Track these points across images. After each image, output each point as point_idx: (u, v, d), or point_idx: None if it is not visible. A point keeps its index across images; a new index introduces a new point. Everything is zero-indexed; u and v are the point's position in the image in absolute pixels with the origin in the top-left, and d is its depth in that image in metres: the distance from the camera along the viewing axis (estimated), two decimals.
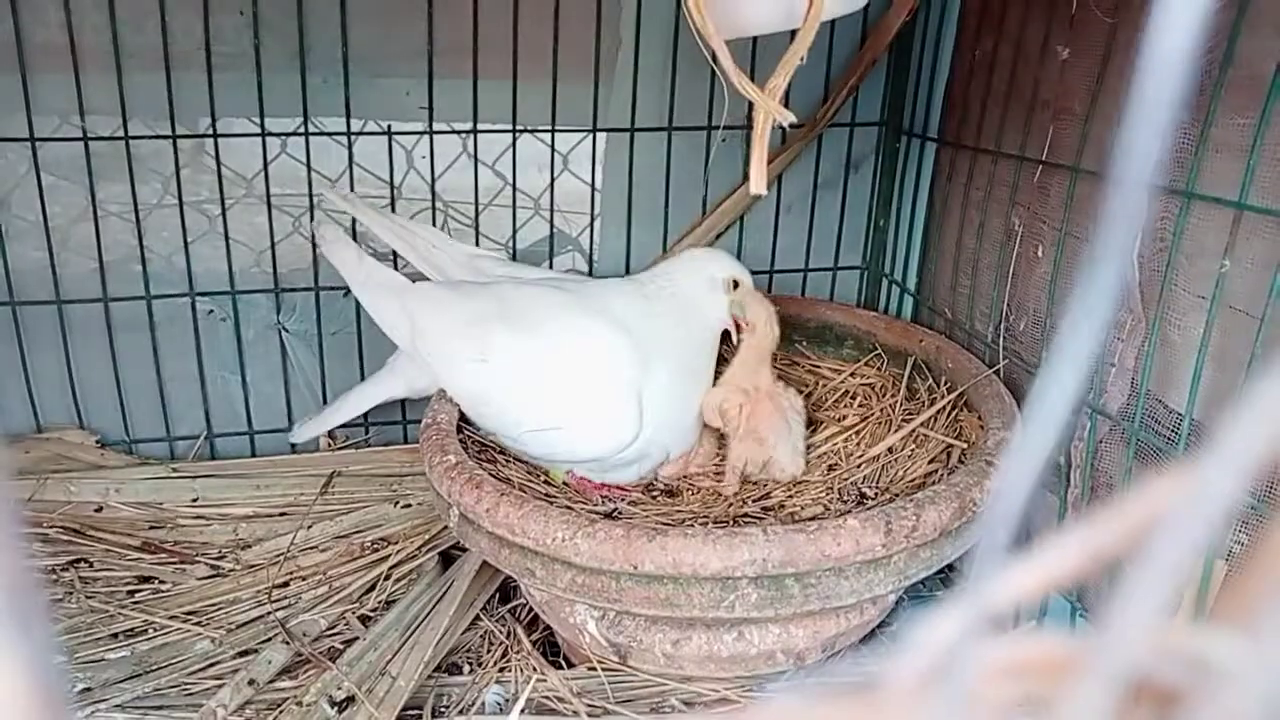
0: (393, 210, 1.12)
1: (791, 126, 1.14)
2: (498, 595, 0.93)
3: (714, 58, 0.46)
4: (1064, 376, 0.12)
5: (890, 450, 0.95)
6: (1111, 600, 0.12)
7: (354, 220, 1.11)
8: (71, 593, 0.93)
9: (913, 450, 0.94)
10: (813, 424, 1.03)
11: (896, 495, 0.86)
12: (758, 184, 0.47)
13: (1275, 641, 0.10)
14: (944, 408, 0.95)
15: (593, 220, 1.20)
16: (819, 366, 1.12)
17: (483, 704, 0.80)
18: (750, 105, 0.58)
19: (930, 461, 0.91)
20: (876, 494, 0.90)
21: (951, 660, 0.12)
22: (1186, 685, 0.11)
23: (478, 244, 1.15)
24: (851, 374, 1.09)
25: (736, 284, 0.95)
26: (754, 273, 1.22)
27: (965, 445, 0.90)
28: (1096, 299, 0.11)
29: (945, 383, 0.98)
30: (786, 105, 1.13)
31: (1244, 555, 0.68)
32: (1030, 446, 0.12)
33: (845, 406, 1.05)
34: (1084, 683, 0.11)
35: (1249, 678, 0.10)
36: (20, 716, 0.11)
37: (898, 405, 1.00)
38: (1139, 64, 0.11)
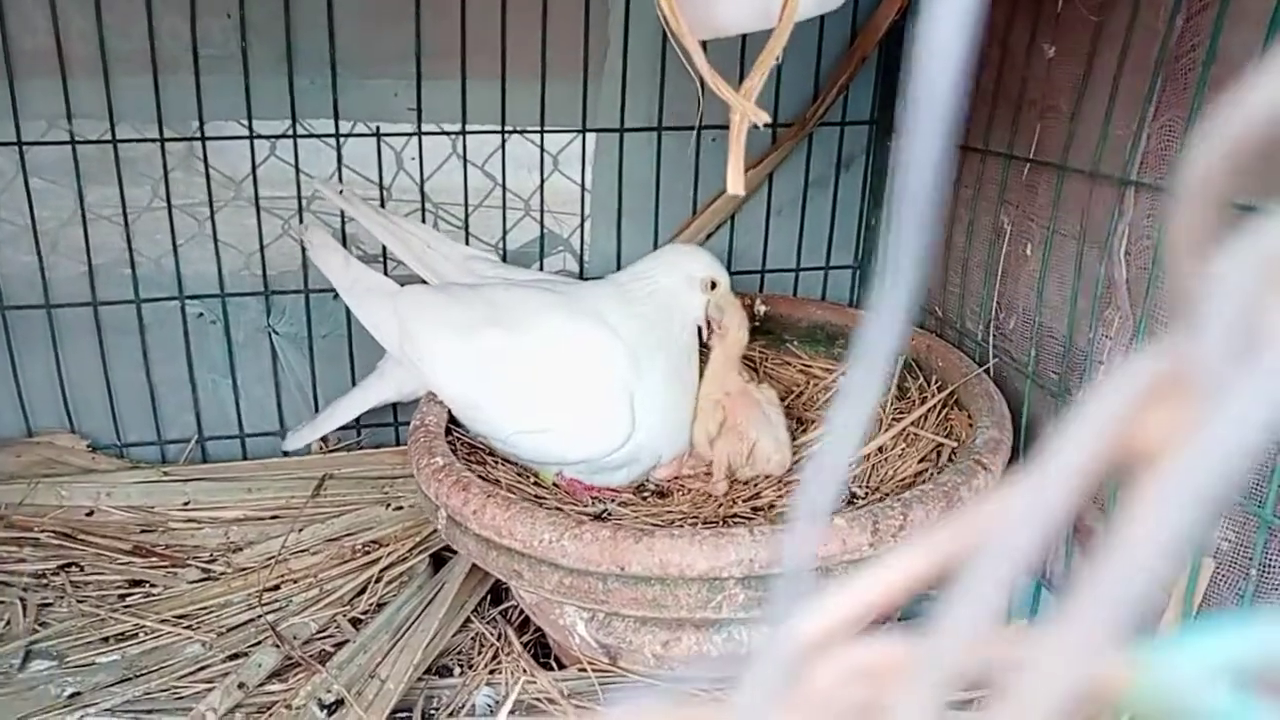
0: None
1: (781, 125, 1.15)
2: (489, 597, 0.93)
3: (689, 59, 0.46)
4: (875, 351, 0.12)
5: (881, 450, 0.95)
6: (939, 608, 0.12)
7: (343, 223, 1.11)
8: (63, 597, 0.93)
9: (903, 449, 0.94)
10: (804, 424, 1.03)
11: (887, 495, 0.86)
12: (734, 185, 0.47)
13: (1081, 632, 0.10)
14: (934, 406, 0.95)
15: (583, 221, 1.20)
16: (810, 366, 1.12)
17: (473, 706, 0.80)
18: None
19: (920, 460, 0.91)
20: (867, 493, 0.90)
21: (796, 666, 0.13)
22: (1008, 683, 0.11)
23: (468, 245, 1.15)
24: (843, 373, 1.09)
25: (714, 283, 0.95)
26: (745, 273, 1.23)
27: (955, 444, 0.90)
28: (902, 254, 0.12)
29: (936, 381, 0.98)
30: (775, 105, 1.13)
31: (1230, 551, 0.68)
32: (846, 417, 0.12)
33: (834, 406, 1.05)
34: (910, 685, 0.12)
35: (1052, 672, 0.10)
36: None
37: (888, 404, 1.00)
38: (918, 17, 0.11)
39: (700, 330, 0.96)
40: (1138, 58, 0.76)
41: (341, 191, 1.06)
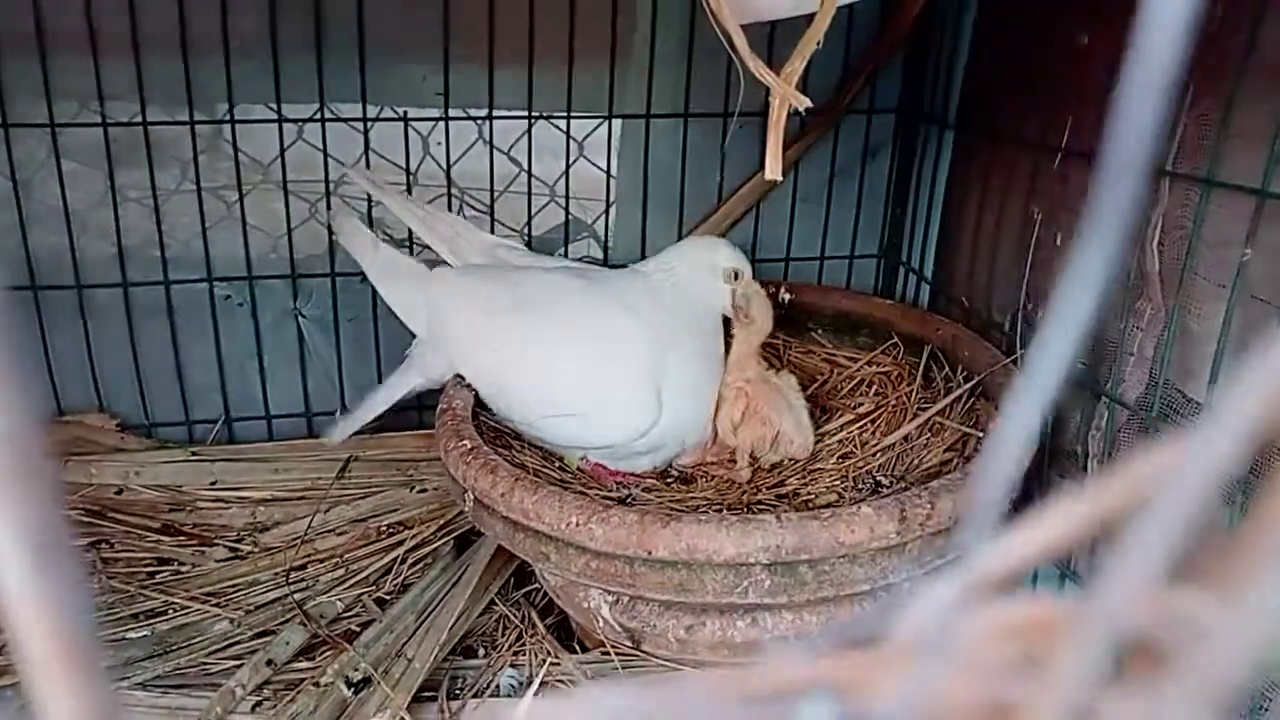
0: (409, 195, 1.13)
1: (808, 113, 1.14)
2: (513, 580, 0.94)
3: (730, 43, 0.46)
4: (1057, 350, 0.12)
5: (906, 439, 0.95)
6: (1104, 564, 0.12)
7: (369, 207, 1.11)
8: (93, 574, 0.94)
9: (928, 439, 0.94)
10: (828, 412, 1.03)
11: (912, 484, 0.86)
12: (773, 169, 0.47)
13: (1258, 602, 0.10)
14: (960, 396, 0.95)
15: (608, 207, 1.20)
16: (835, 355, 1.12)
17: (497, 686, 0.81)
18: (767, 91, 0.58)
19: (946, 450, 0.91)
20: (892, 482, 0.89)
21: (947, 621, 0.13)
22: (1176, 646, 0.11)
23: (493, 230, 1.15)
24: (868, 362, 1.09)
25: (737, 274, 0.95)
26: (770, 261, 1.23)
27: (981, 434, 0.89)
28: (1089, 278, 0.11)
29: (962, 371, 0.98)
30: (804, 91, 1.13)
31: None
32: (1022, 417, 0.13)
33: (861, 395, 1.05)
34: (1074, 643, 0.12)
35: (1231, 637, 0.10)
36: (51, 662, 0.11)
37: (914, 394, 1.00)
38: (1134, 41, 0.11)
39: (727, 319, 0.96)
40: None
41: (370, 177, 1.07)
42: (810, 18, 0.47)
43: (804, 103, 0.47)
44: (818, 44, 0.46)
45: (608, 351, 0.90)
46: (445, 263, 1.03)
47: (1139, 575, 0.11)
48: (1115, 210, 0.11)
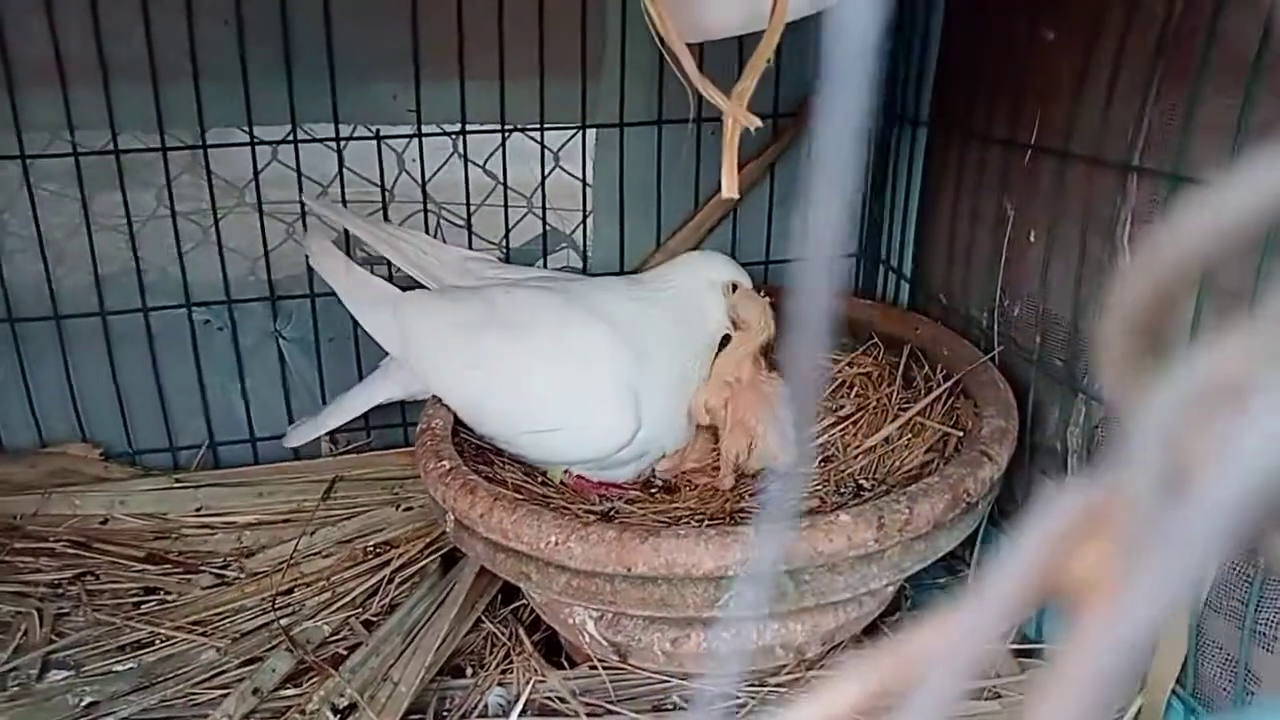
0: (385, 213, 1.12)
1: (782, 116, 1.14)
2: (500, 596, 0.94)
3: (677, 63, 0.46)
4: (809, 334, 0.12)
5: (887, 440, 0.95)
6: None
7: (346, 228, 1.11)
8: (78, 606, 0.94)
9: (909, 440, 0.94)
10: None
11: (893, 486, 0.86)
12: (729, 188, 0.47)
13: None
14: (940, 396, 0.95)
15: (585, 216, 1.19)
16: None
17: (485, 706, 0.81)
18: (728, 97, 0.58)
19: (927, 451, 0.91)
20: (873, 485, 0.89)
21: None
22: None
23: (470, 244, 1.15)
24: (849, 363, 1.08)
25: (735, 287, 0.95)
26: (749, 264, 1.22)
27: (961, 434, 0.89)
28: (824, 222, 0.12)
29: (941, 370, 0.98)
30: (775, 95, 1.13)
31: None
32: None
33: (842, 397, 1.04)
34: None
35: None
36: None
37: (894, 394, 1.00)
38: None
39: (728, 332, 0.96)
40: (1138, 41, 0.75)
41: (333, 205, 1.06)
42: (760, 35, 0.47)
43: (754, 123, 0.47)
44: (769, 61, 0.46)
45: (582, 365, 0.90)
46: (419, 283, 1.03)
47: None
48: (838, 155, 0.11)
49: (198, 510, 1.07)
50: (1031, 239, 0.92)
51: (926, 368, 1.00)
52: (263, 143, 1.07)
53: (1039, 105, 0.89)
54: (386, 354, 1.03)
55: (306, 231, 1.09)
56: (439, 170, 1.13)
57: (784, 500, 0.13)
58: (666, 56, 0.46)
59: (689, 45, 0.46)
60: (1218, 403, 0.10)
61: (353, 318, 1.12)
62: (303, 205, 1.10)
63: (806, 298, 0.12)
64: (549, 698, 0.81)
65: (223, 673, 0.85)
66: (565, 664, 0.87)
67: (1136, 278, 0.10)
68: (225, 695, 0.81)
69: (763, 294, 1.11)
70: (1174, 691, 0.73)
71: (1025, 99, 0.91)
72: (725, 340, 0.96)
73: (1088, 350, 0.83)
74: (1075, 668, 0.10)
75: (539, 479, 0.93)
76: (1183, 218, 0.10)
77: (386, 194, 1.12)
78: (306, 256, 1.11)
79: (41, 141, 1.03)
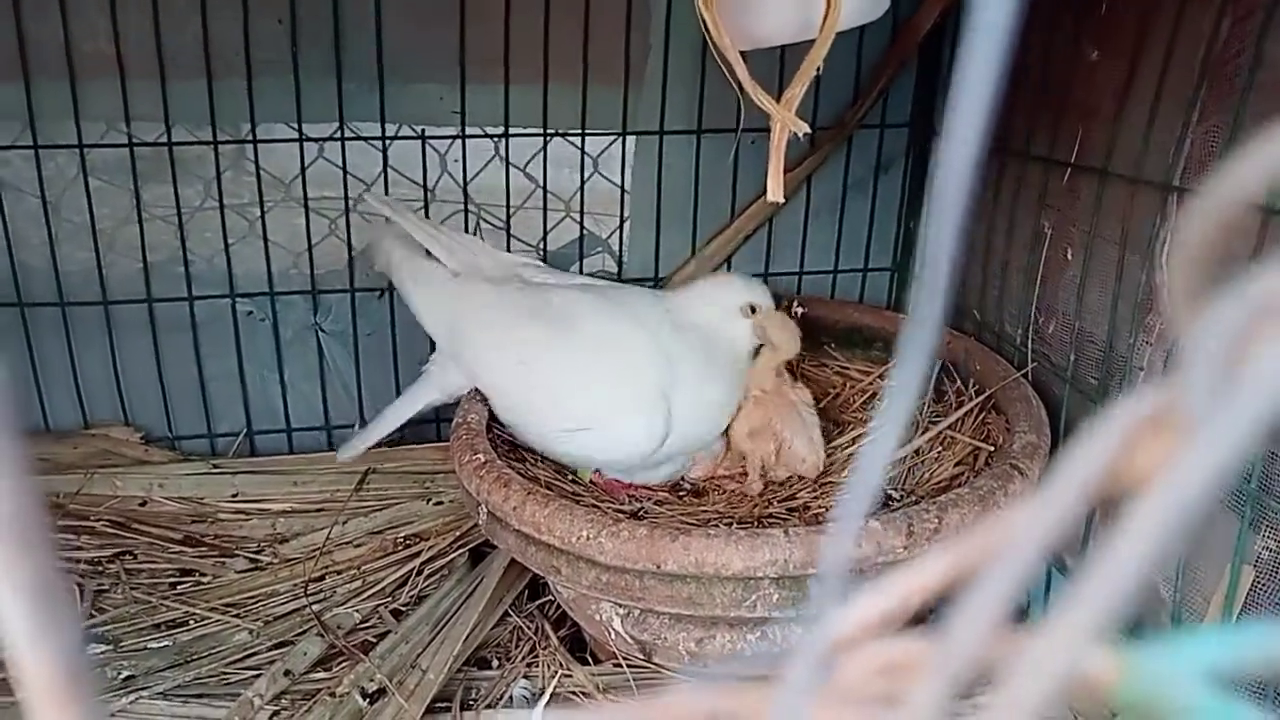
0: (425, 212, 1.15)
1: (820, 129, 1.15)
2: (526, 592, 0.95)
3: (730, 70, 0.47)
4: (918, 344, 0.13)
5: (917, 453, 0.95)
6: (953, 610, 0.13)
7: (388, 224, 1.13)
8: (117, 584, 0.96)
9: (939, 453, 0.94)
10: (840, 425, 1.03)
11: (922, 498, 0.86)
12: (775, 192, 0.48)
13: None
14: (971, 410, 0.95)
15: (622, 222, 1.21)
16: (848, 368, 1.13)
17: (510, 698, 0.82)
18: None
19: (957, 464, 0.91)
20: (902, 496, 0.90)
21: (828, 658, 0.14)
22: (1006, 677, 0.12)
23: (509, 245, 1.17)
24: (880, 376, 1.09)
25: (754, 307, 0.96)
26: (783, 274, 1.23)
27: (992, 448, 0.90)
28: (938, 255, 0.13)
29: (973, 385, 0.98)
30: (815, 108, 1.14)
31: (1271, 560, 0.68)
32: (889, 426, 0.14)
33: (874, 409, 1.05)
34: (928, 679, 0.13)
35: (1038, 671, 0.11)
36: (47, 695, 0.12)
37: (925, 407, 1.00)
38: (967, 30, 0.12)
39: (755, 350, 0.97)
40: (1182, 62, 0.76)
41: (386, 199, 1.08)
42: (812, 43, 0.48)
43: (803, 128, 0.48)
44: (818, 70, 0.47)
45: (619, 368, 0.91)
46: None
47: (984, 621, 0.12)
48: (955, 183, 0.12)
49: (234, 496, 1.09)
50: (1068, 257, 0.92)
51: (959, 382, 1.01)
52: (310, 140, 1.10)
53: (1079, 123, 0.89)
54: (423, 350, 1.04)
55: (374, 221, 1.10)
56: (480, 172, 1.15)
57: (857, 501, 0.14)
58: (719, 61, 0.47)
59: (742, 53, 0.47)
60: (1271, 317, 0.11)
61: (391, 314, 1.15)
62: (348, 201, 1.12)
63: (916, 321, 0.13)
64: (573, 692, 0.82)
65: (255, 654, 0.87)
66: (590, 660, 0.88)
67: (1201, 210, 0.11)
68: (257, 676, 0.83)
69: (795, 304, 1.12)
70: None
71: (1066, 117, 0.91)
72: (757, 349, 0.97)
73: (1123, 370, 0.83)
74: (1127, 544, 0.11)
75: (569, 477, 0.94)
76: (1246, 156, 0.11)
77: (428, 194, 1.15)
78: (349, 251, 1.13)
79: (98, 131, 1.06)
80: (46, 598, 0.11)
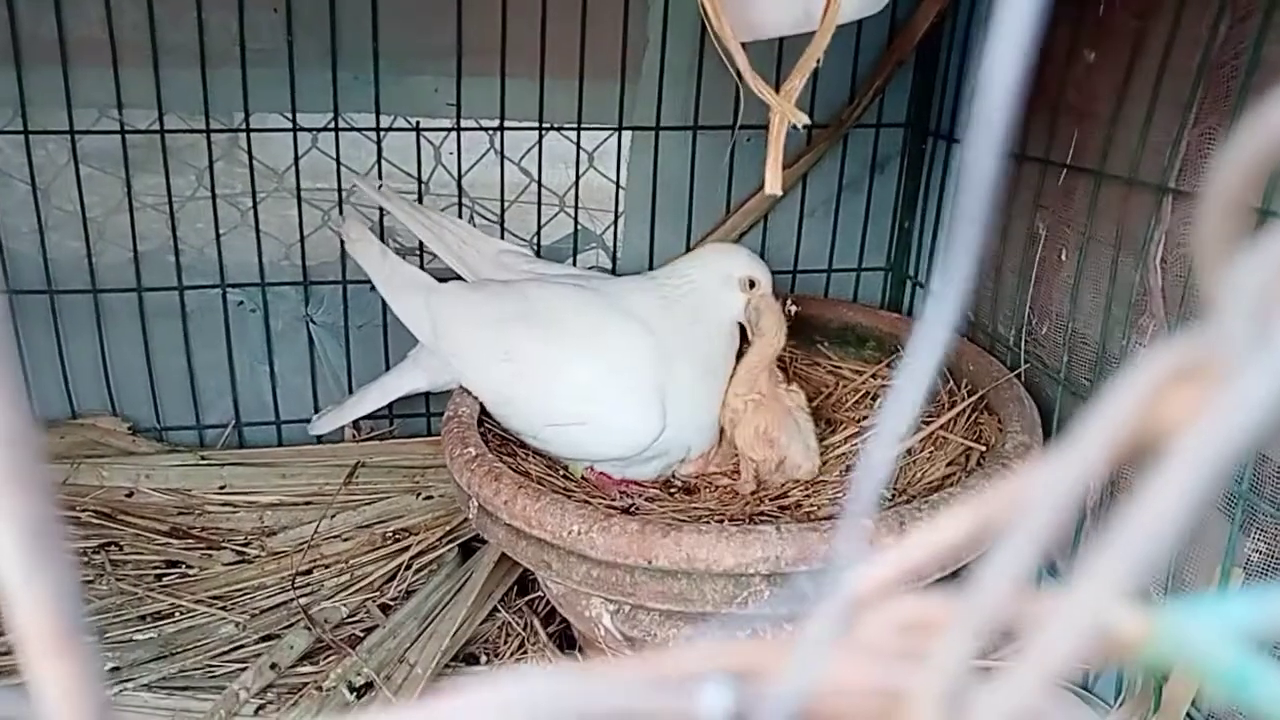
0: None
1: (816, 127, 1.15)
2: (516, 587, 0.95)
3: (731, 61, 0.47)
4: (931, 339, 0.13)
5: (909, 452, 0.95)
6: (977, 568, 0.13)
7: (381, 217, 1.12)
8: (102, 575, 0.95)
9: (931, 453, 0.94)
10: (832, 424, 1.03)
11: (914, 497, 0.86)
12: (772, 184, 0.48)
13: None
14: (964, 410, 0.95)
15: (617, 218, 1.21)
16: (840, 367, 1.12)
17: None
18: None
19: (949, 464, 0.91)
20: (894, 495, 0.90)
21: (848, 613, 0.13)
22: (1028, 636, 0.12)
23: (503, 239, 1.17)
24: (873, 375, 1.09)
25: (753, 282, 0.95)
26: (777, 273, 1.22)
27: (984, 449, 0.89)
28: (959, 257, 0.12)
29: (966, 385, 0.98)
30: (811, 106, 1.14)
31: (1261, 562, 0.68)
32: (896, 412, 0.13)
33: (866, 408, 1.05)
34: (951, 635, 0.12)
35: (1062, 628, 0.11)
36: (45, 652, 0.12)
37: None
38: (989, 32, 0.12)
39: (741, 327, 0.96)
40: (1178, 64, 0.76)
41: (380, 187, 1.08)
42: (811, 35, 0.48)
43: (802, 119, 0.47)
44: (818, 62, 0.47)
45: (610, 362, 0.91)
46: (455, 272, 1.05)
47: (1007, 578, 0.12)
48: (978, 188, 0.12)
49: (221, 488, 1.08)
50: (1062, 258, 0.92)
51: (951, 383, 1.00)
52: (304, 130, 1.09)
53: (1075, 125, 0.89)
54: (414, 343, 1.04)
55: (343, 218, 1.10)
56: (475, 165, 1.14)
57: (863, 500, 0.14)
58: (720, 52, 0.47)
59: (744, 44, 0.47)
60: None
61: (383, 306, 1.14)
62: (341, 192, 1.11)
63: (928, 327, 0.13)
64: None
65: (241, 647, 0.87)
66: (579, 657, 0.88)
67: (1231, 159, 0.11)
68: (244, 668, 0.82)
69: (789, 301, 1.12)
70: (1188, 715, 0.73)
71: (1062, 118, 0.91)
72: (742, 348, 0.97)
73: (1115, 371, 0.83)
74: (1158, 495, 0.10)
75: (560, 472, 0.94)
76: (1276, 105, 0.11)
77: (423, 186, 1.14)
78: (341, 243, 1.12)
79: (90, 118, 1.05)
80: (43, 536, 0.11)
